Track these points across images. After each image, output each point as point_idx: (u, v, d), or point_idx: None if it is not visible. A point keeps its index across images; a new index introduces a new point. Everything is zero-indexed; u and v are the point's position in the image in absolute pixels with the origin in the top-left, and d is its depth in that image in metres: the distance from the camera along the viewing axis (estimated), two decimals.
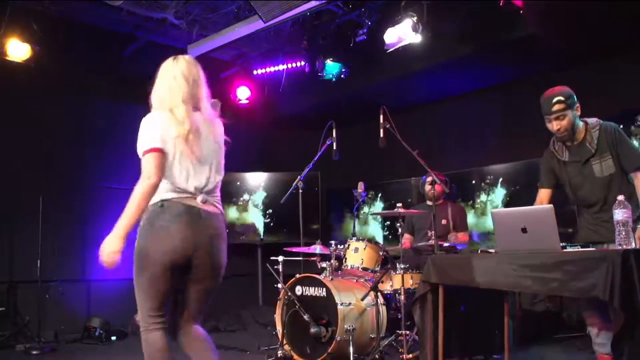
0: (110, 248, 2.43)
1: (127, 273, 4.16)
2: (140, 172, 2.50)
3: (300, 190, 4.80)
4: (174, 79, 2.63)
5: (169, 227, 2.51)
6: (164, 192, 2.56)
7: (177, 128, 2.54)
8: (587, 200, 3.46)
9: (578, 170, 3.45)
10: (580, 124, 3.41)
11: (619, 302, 2.51)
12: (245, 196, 7.54)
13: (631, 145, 3.46)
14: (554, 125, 3.39)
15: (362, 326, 4.36)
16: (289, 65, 6.98)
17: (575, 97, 3.37)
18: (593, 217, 3.43)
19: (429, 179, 5.44)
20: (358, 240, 4.85)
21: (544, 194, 3.61)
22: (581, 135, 3.42)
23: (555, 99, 3.33)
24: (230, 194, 7.47)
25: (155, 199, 2.54)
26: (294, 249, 4.93)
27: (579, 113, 3.39)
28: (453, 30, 5.74)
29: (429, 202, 5.46)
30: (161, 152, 2.51)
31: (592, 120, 3.44)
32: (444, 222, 5.33)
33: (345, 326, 4.19)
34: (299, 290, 4.56)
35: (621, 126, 3.75)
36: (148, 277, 2.53)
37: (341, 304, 4.25)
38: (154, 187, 2.49)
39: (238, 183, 7.53)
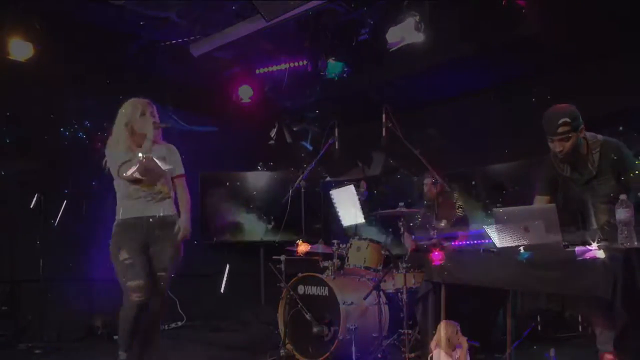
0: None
1: None
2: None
3: (303, 190, 4.80)
4: None
5: None
6: None
7: None
8: (594, 212, 3.40)
9: (580, 186, 3.36)
10: (582, 142, 3.28)
11: (621, 301, 2.51)
12: (247, 195, 7.53)
13: (634, 166, 3.26)
14: (556, 146, 3.25)
15: (364, 325, 4.36)
16: (291, 64, 6.96)
17: (580, 118, 3.22)
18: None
19: (428, 180, 5.44)
20: (360, 239, 4.85)
21: (542, 201, 3.49)
22: (583, 152, 3.29)
23: (561, 120, 3.18)
24: (232, 193, 7.46)
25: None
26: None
27: (583, 135, 3.25)
28: (455, 29, 5.73)
29: (427, 202, 5.46)
30: None
31: (592, 138, 3.30)
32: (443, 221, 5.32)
33: (348, 325, 4.19)
34: (301, 289, 4.57)
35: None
36: None
37: (343, 303, 4.25)
38: None
39: (238, 183, 7.51)
